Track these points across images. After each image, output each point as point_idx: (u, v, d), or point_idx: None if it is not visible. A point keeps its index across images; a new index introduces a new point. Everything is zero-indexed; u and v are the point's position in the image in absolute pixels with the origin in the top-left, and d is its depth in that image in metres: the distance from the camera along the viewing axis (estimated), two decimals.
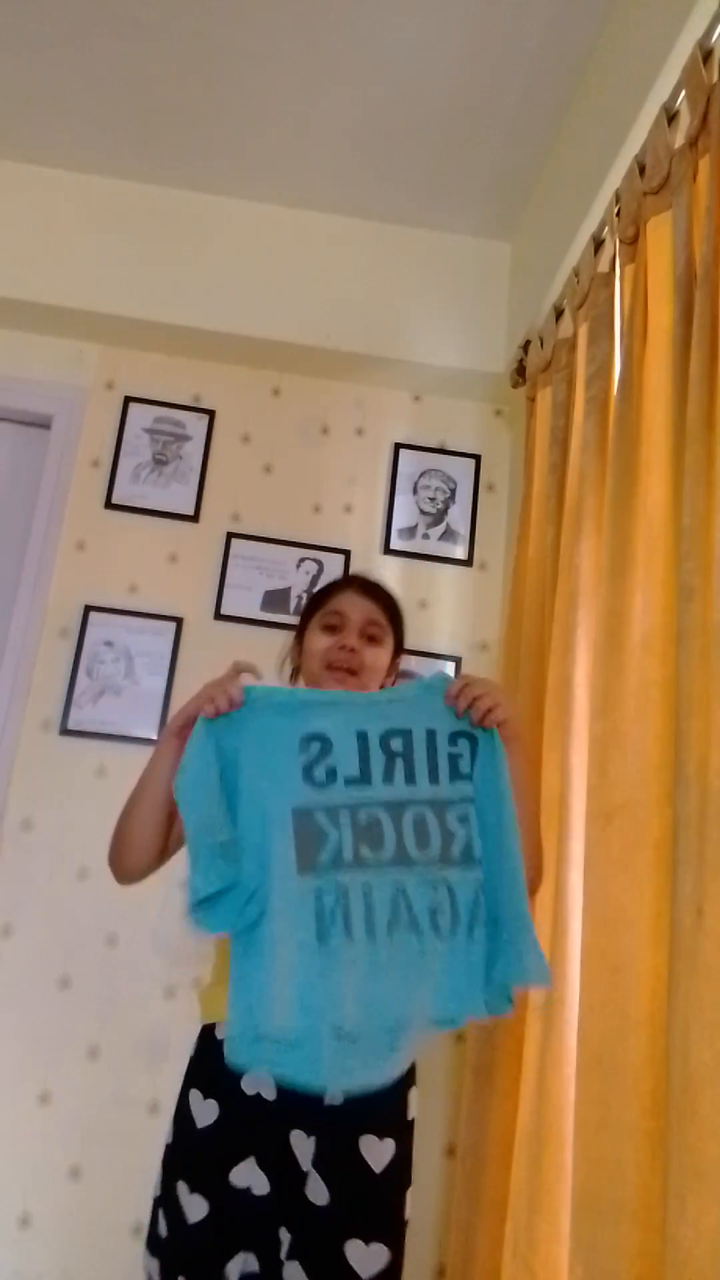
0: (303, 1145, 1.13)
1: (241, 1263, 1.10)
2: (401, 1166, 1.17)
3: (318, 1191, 1.11)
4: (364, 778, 1.13)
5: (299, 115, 2.10)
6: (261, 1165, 1.13)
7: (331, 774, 1.12)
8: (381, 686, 1.39)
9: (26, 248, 2.28)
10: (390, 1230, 1.14)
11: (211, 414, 2.38)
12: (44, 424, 2.36)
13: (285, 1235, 1.11)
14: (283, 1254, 1.11)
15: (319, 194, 2.34)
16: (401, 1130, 1.20)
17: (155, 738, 2.14)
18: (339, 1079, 1.07)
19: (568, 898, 1.43)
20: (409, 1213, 1.18)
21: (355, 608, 1.39)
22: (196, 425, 2.37)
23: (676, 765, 1.14)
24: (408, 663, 1.96)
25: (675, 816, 1.12)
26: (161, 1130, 1.91)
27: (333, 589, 1.46)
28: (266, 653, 2.20)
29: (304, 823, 1.09)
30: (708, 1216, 0.97)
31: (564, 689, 1.55)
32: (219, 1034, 1.17)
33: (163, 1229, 1.15)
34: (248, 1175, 1.12)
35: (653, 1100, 1.15)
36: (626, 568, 1.41)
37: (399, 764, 1.14)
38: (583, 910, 1.35)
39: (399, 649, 1.45)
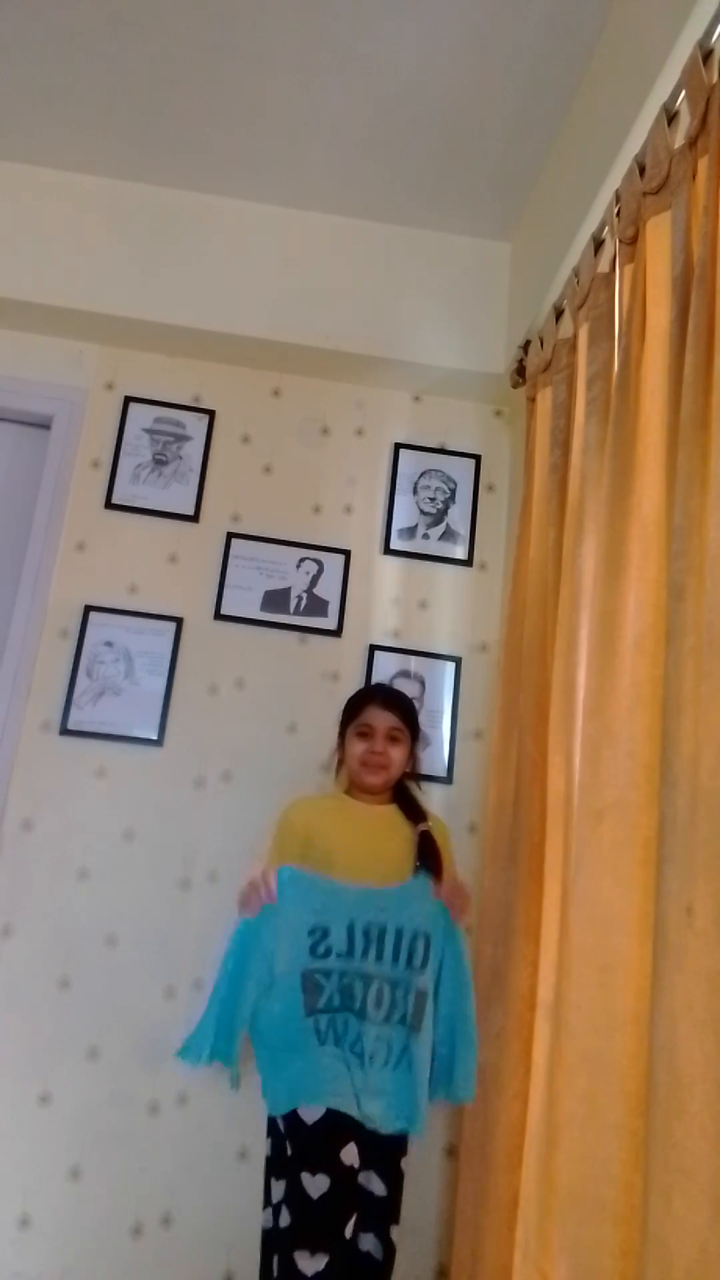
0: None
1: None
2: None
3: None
4: (350, 953, 1.72)
5: (299, 115, 2.10)
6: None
7: (328, 950, 1.72)
8: (403, 773, 1.87)
9: (26, 248, 2.28)
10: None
11: (211, 414, 2.38)
12: (44, 424, 2.36)
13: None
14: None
15: (319, 194, 2.34)
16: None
17: (155, 738, 2.15)
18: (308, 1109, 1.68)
19: (570, 899, 1.43)
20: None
21: (380, 719, 1.83)
22: (196, 425, 2.37)
23: (665, 764, 1.13)
24: (408, 662, 2.27)
25: (663, 815, 1.12)
26: (161, 1130, 1.94)
27: (363, 702, 1.87)
28: (266, 653, 2.24)
29: (308, 979, 1.70)
30: (696, 1215, 0.95)
31: (568, 690, 1.55)
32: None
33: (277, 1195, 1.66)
34: (351, 1156, 1.62)
35: (638, 1099, 1.15)
36: (621, 568, 1.40)
37: (373, 947, 1.72)
38: (573, 908, 1.34)
39: (415, 739, 1.89)
